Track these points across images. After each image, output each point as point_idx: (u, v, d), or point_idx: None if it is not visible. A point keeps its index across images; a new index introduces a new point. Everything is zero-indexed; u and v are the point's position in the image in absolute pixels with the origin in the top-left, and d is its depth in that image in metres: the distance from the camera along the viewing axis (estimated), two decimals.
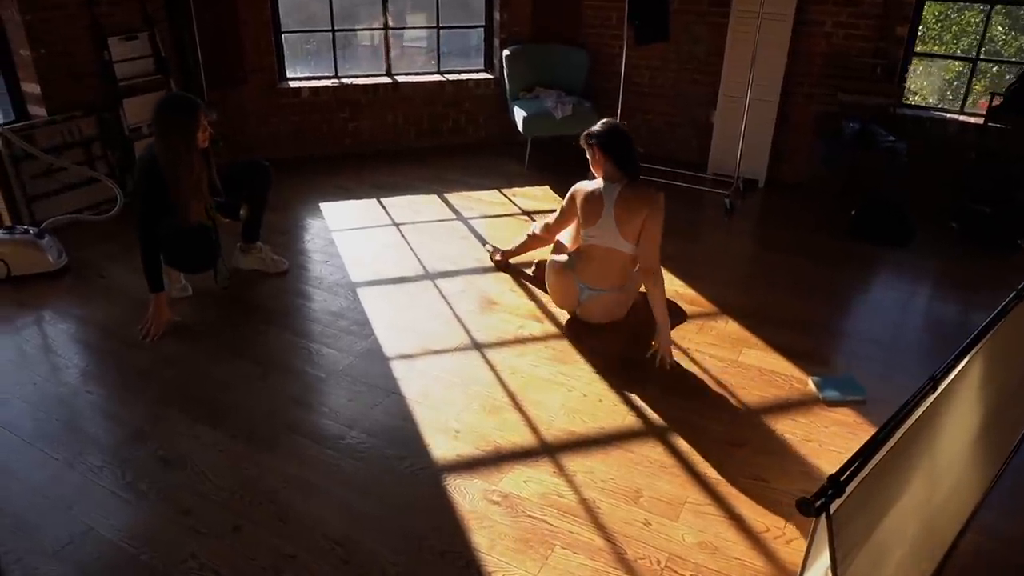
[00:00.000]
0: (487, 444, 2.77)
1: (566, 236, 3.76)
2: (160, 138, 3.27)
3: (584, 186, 3.48)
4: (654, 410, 2.99)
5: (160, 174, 3.27)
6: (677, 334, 3.44)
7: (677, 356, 3.34)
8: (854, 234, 4.71)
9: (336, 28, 5.90)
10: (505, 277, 4.04)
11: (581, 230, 3.48)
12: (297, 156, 5.78)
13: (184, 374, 3.19)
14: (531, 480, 2.60)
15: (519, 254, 4.12)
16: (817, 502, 1.59)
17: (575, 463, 2.68)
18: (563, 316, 3.66)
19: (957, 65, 13.92)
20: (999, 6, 5.55)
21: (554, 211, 3.88)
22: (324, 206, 4.99)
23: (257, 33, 5.48)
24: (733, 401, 3.07)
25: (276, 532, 2.36)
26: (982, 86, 11.48)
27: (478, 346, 3.40)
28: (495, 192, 5.29)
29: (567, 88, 5.87)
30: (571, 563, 2.28)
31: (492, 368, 3.23)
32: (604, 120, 3.48)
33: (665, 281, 3.42)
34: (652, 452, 2.75)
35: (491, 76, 6.21)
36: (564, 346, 3.42)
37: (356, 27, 7.89)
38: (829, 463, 2.70)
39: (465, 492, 2.54)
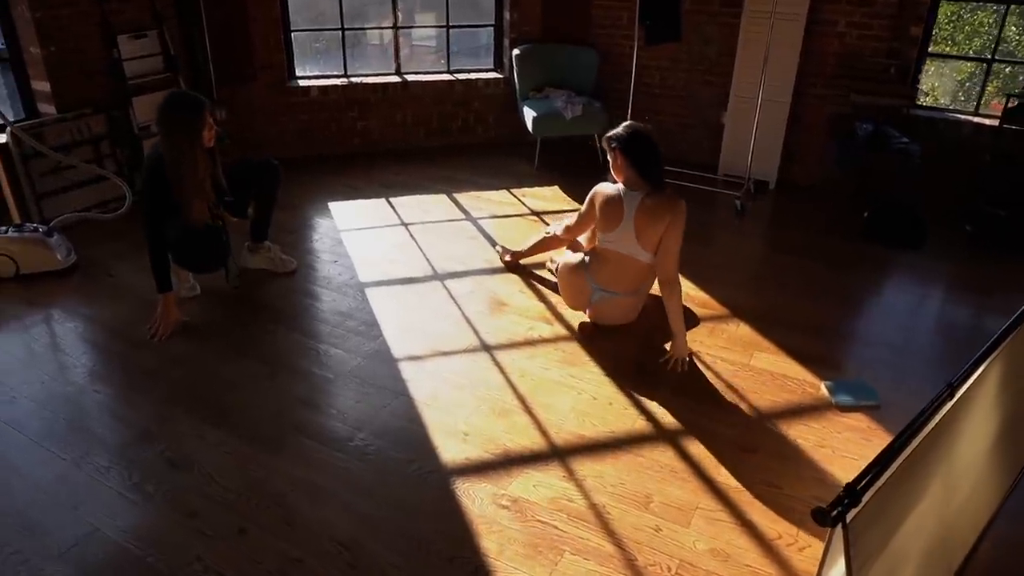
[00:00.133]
0: (496, 447, 2.75)
1: (582, 235, 3.72)
2: (165, 137, 3.25)
3: (605, 189, 3.39)
4: (665, 414, 2.96)
5: (165, 173, 3.26)
6: (688, 337, 3.40)
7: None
8: (866, 236, 4.66)
9: (346, 27, 5.89)
10: (514, 278, 4.02)
11: (598, 233, 3.43)
12: (306, 155, 5.77)
13: (192, 374, 3.17)
14: (540, 484, 2.57)
15: (531, 255, 4.08)
16: (833, 511, 1.56)
17: (585, 467, 2.66)
18: (573, 318, 3.63)
19: (969, 66, 13.82)
20: (1013, 6, 5.48)
21: (564, 212, 3.85)
22: (333, 205, 4.97)
23: (266, 31, 5.47)
24: (745, 405, 3.04)
25: (283, 535, 2.34)
26: (994, 87, 11.39)
27: (487, 348, 3.38)
28: (504, 192, 5.26)
29: (577, 88, 5.84)
30: (581, 569, 2.25)
31: (501, 370, 3.21)
32: (628, 123, 3.38)
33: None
34: (663, 457, 2.72)
35: (501, 76, 6.19)
36: (574, 348, 3.40)
37: (366, 26, 7.88)
38: (843, 469, 2.67)
39: (474, 496, 2.51)
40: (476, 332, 3.50)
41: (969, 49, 14.09)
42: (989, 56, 5.87)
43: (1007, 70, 12.45)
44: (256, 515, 2.42)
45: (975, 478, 2.33)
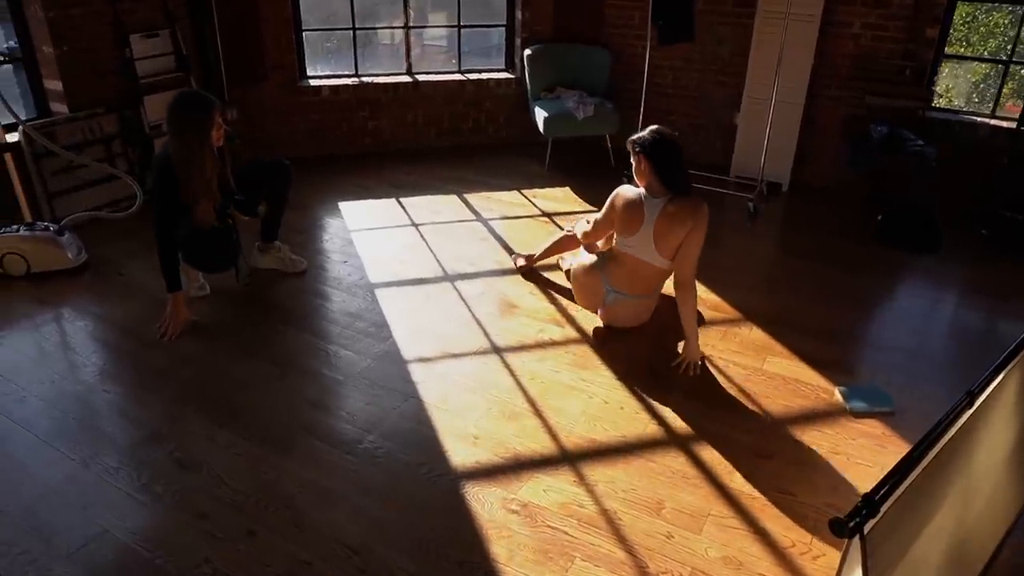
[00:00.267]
0: (506, 451, 2.72)
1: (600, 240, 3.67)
2: (174, 136, 3.25)
3: (626, 193, 3.33)
4: (677, 418, 2.93)
5: (174, 172, 3.25)
6: (699, 341, 3.36)
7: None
8: (880, 240, 4.62)
9: (357, 26, 5.88)
10: (525, 280, 3.99)
11: (616, 236, 3.40)
12: (317, 155, 5.76)
13: (201, 374, 3.16)
14: (551, 489, 2.55)
15: (547, 257, 4.03)
16: (851, 522, 1.54)
17: (596, 472, 2.63)
18: (584, 321, 3.60)
19: (984, 67, 13.71)
20: None
21: (575, 213, 3.82)
22: (343, 205, 4.96)
23: (278, 30, 5.46)
24: (757, 411, 3.01)
25: (292, 538, 2.33)
26: (1010, 89, 11.28)
27: (497, 350, 3.36)
28: (515, 193, 5.24)
29: (589, 88, 5.81)
30: None
31: (512, 373, 3.19)
32: (653, 127, 3.30)
33: None
34: (674, 462, 2.69)
35: (512, 76, 6.17)
36: (585, 351, 3.37)
37: (377, 25, 7.86)
38: (857, 477, 2.64)
39: (483, 500, 2.49)
40: (486, 334, 3.48)
41: (984, 50, 13.97)
42: (1005, 58, 5.80)
43: (1023, 72, 12.33)
44: (265, 517, 2.41)
45: (994, 486, 2.29)
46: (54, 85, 4.48)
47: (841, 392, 3.09)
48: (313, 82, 5.76)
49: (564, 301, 3.77)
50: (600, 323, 3.56)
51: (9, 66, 4.56)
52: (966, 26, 13.95)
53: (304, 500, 2.48)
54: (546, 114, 5.48)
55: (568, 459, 2.70)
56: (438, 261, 4.19)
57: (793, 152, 5.35)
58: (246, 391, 3.05)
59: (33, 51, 4.46)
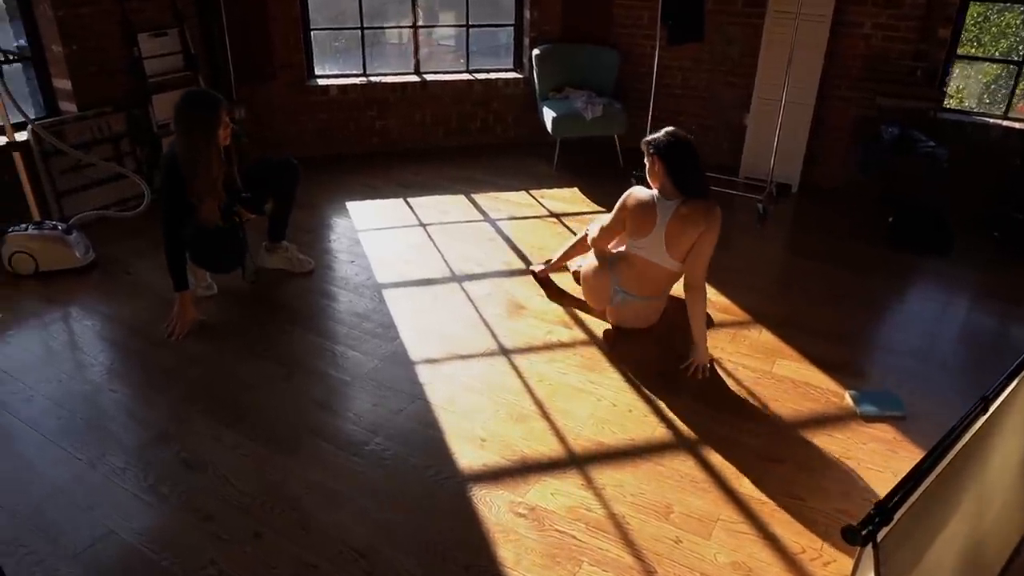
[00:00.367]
0: (513, 454, 2.71)
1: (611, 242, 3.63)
2: (181, 135, 3.25)
3: (639, 194, 3.29)
4: (685, 422, 2.91)
5: (181, 171, 3.25)
6: (708, 343, 3.34)
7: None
8: (891, 242, 4.59)
9: (365, 26, 5.87)
10: (533, 281, 3.97)
11: (627, 238, 3.37)
12: (324, 154, 5.76)
13: (209, 374, 3.16)
14: (558, 492, 2.53)
15: (564, 262, 3.94)
16: (863, 530, 1.51)
17: (604, 476, 2.61)
18: (593, 322, 3.58)
19: (995, 68, 13.62)
20: None
21: (583, 214, 3.79)
22: (351, 205, 4.96)
23: (286, 30, 5.46)
24: (767, 414, 2.98)
25: (298, 540, 2.31)
26: (1022, 90, 11.19)
27: (505, 352, 3.34)
28: (523, 193, 5.22)
29: (597, 88, 5.79)
30: None
31: (519, 375, 3.17)
32: (669, 129, 3.26)
33: None
34: (683, 466, 2.67)
35: (520, 75, 6.15)
36: (593, 353, 3.35)
37: (385, 25, 7.86)
38: (868, 482, 2.61)
39: (491, 503, 2.48)
40: (494, 335, 3.46)
41: (995, 51, 13.88)
42: (1018, 59, 5.76)
43: None
44: (271, 519, 2.40)
45: (1008, 492, 2.26)
46: (63, 84, 4.49)
47: (852, 396, 3.06)
48: (321, 81, 5.75)
49: (572, 303, 3.75)
50: (610, 325, 3.54)
51: (18, 65, 4.56)
52: (977, 26, 13.87)
53: (310, 502, 2.47)
54: (554, 114, 5.46)
55: (576, 462, 2.68)
56: (445, 261, 4.17)
57: (803, 153, 5.32)
58: (253, 391, 3.04)
59: (42, 50, 4.46)
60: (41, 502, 2.44)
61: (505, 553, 2.29)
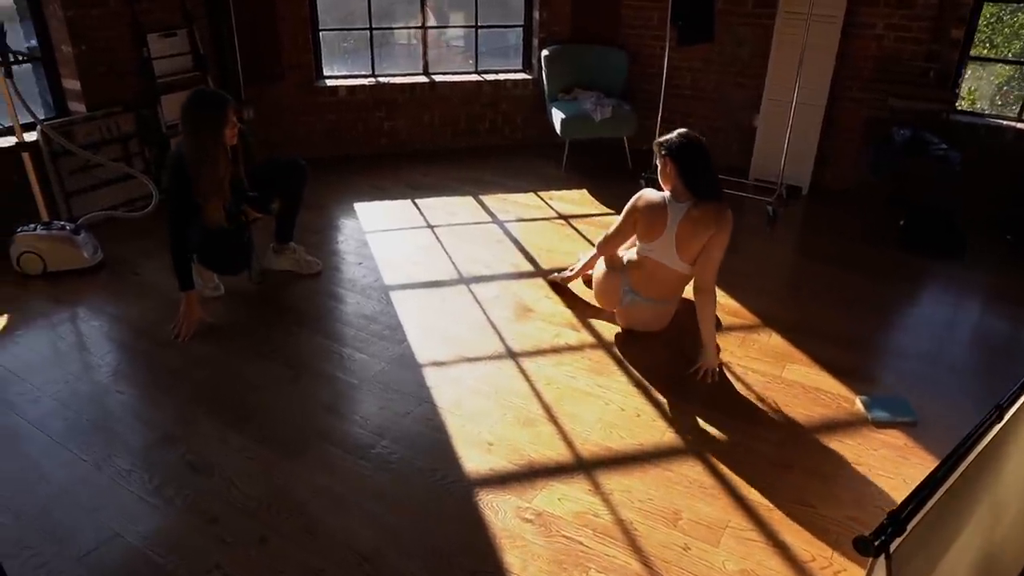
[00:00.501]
0: (520, 458, 2.69)
1: (622, 247, 3.59)
2: (188, 134, 3.24)
3: (649, 197, 3.27)
4: (694, 427, 2.89)
5: (187, 171, 3.24)
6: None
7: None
8: (902, 245, 4.54)
9: (374, 26, 5.86)
10: (541, 283, 3.95)
11: (638, 242, 3.34)
12: (333, 155, 5.75)
13: (215, 376, 3.15)
14: (566, 498, 2.51)
15: (581, 273, 3.88)
16: (876, 540, 1.49)
17: (612, 481, 2.59)
18: (601, 326, 3.56)
19: (1007, 69, 13.52)
20: None
21: (592, 216, 3.77)
22: (359, 206, 4.95)
23: (295, 30, 5.46)
24: (777, 419, 2.95)
25: (303, 545, 2.30)
26: None
27: (513, 355, 3.32)
28: (531, 195, 5.20)
29: (606, 90, 5.76)
30: None
31: (527, 378, 3.15)
32: (681, 130, 3.23)
33: None
34: (692, 471, 2.65)
35: (529, 76, 6.13)
36: (601, 356, 3.33)
37: (394, 26, 7.85)
38: (880, 489, 2.58)
39: (497, 508, 2.46)
40: (501, 338, 3.44)
41: (1008, 52, 13.78)
42: None
43: None
44: (277, 523, 2.38)
45: (1021, 503, 2.23)
46: (72, 84, 4.50)
47: (863, 401, 3.03)
48: (330, 82, 5.75)
49: (581, 305, 3.73)
50: (620, 329, 3.51)
51: (29, 65, 4.57)
52: (990, 27, 13.77)
53: (316, 506, 2.45)
54: (563, 115, 5.44)
55: (584, 467, 2.66)
56: (453, 263, 4.16)
57: (813, 155, 5.28)
58: (259, 394, 3.03)
59: (52, 50, 4.47)
60: (46, 504, 2.44)
61: (511, 559, 2.27)
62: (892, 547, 1.51)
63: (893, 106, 4.94)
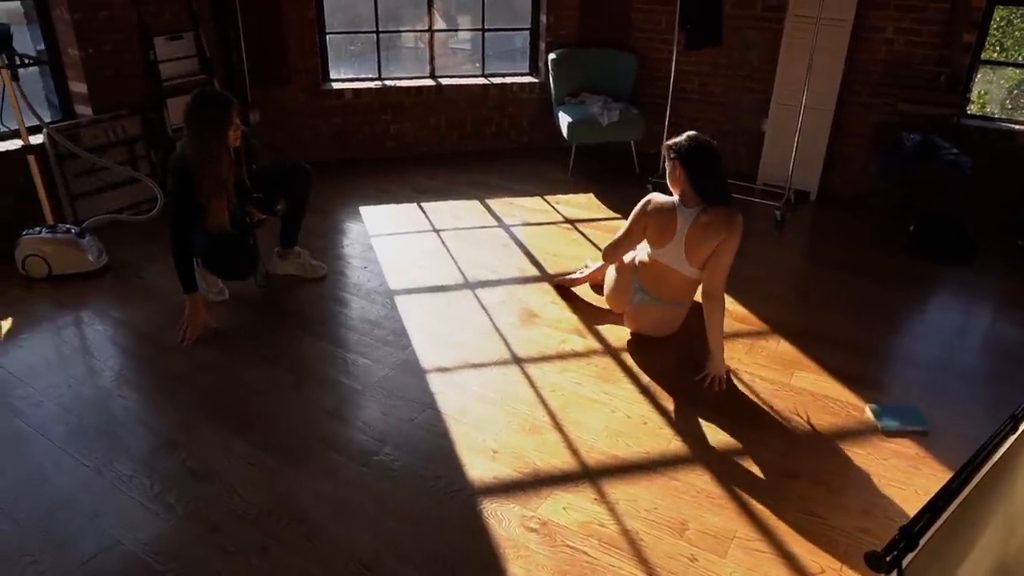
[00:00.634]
0: (525, 466, 2.66)
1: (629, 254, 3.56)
2: (192, 135, 3.23)
3: (659, 201, 3.24)
4: (701, 435, 2.85)
5: (190, 173, 3.23)
6: (725, 354, 3.27)
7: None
8: (912, 251, 4.50)
9: (380, 30, 5.85)
10: (547, 288, 3.92)
11: (647, 247, 3.31)
12: (339, 158, 5.74)
13: (219, 381, 3.13)
14: (571, 507, 2.48)
15: (596, 277, 3.85)
16: (888, 556, 1.45)
17: (617, 490, 2.55)
18: (608, 332, 3.52)
19: (1017, 73, 13.43)
20: None
21: (598, 220, 3.74)
22: (364, 210, 4.93)
23: (301, 33, 5.45)
24: (785, 428, 2.91)
25: (305, 554, 2.27)
26: None
27: (518, 361, 3.29)
28: (538, 199, 5.18)
29: (614, 94, 5.73)
30: None
31: (532, 385, 3.12)
32: (691, 133, 3.19)
33: None
34: (699, 480, 2.61)
35: (536, 80, 6.11)
36: (608, 363, 3.29)
37: (401, 29, 7.85)
38: (890, 499, 2.54)
39: (501, 517, 2.43)
40: (507, 344, 3.41)
41: (1019, 55, 13.69)
42: None
43: None
44: (278, 531, 2.36)
45: None
46: (79, 87, 4.49)
47: (872, 409, 2.99)
48: (336, 85, 5.74)
49: (587, 311, 3.70)
50: (629, 336, 3.48)
51: (35, 68, 4.57)
52: (1000, 31, 13.68)
53: (318, 513, 2.43)
54: (570, 119, 5.41)
55: (589, 475, 2.62)
56: (459, 268, 4.13)
57: (822, 160, 5.24)
58: (263, 399, 3.01)
59: (59, 53, 4.47)
60: (47, 510, 2.42)
61: (515, 569, 2.24)
62: (904, 562, 1.47)
63: (903, 111, 4.90)
